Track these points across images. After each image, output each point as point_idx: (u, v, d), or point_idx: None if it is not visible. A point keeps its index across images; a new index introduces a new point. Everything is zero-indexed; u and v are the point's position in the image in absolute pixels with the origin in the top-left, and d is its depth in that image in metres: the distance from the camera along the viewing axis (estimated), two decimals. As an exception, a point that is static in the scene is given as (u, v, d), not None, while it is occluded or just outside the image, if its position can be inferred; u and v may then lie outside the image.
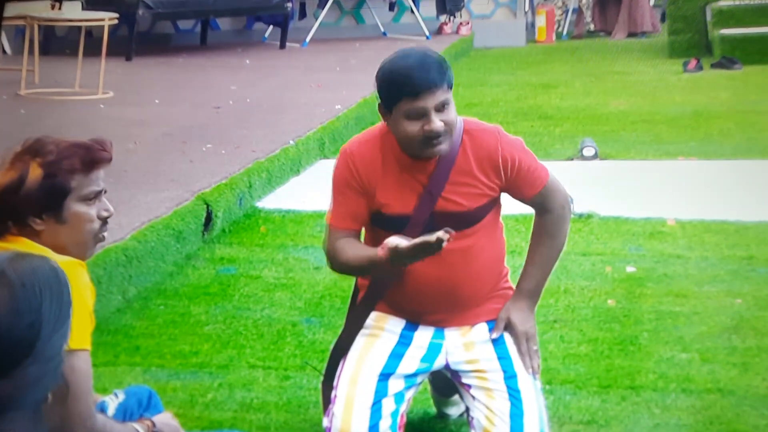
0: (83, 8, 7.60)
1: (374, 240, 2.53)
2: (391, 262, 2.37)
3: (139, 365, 3.28)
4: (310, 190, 5.31)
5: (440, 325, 2.55)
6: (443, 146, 2.42)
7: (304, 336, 3.46)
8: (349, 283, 3.96)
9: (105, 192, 2.04)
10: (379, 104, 2.47)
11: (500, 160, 2.48)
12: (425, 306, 2.54)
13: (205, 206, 4.57)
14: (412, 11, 10.52)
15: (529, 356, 2.52)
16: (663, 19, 10.00)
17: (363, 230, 2.60)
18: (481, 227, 2.51)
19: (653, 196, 5.02)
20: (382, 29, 10.65)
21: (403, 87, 2.38)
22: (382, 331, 2.56)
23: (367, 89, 7.44)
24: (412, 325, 2.56)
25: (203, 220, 4.53)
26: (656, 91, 7.66)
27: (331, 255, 2.54)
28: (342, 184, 2.52)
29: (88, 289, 2.00)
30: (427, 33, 10.34)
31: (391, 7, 10.96)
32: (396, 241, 2.34)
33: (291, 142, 5.74)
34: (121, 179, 4.90)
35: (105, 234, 2.09)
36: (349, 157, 2.51)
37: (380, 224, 2.52)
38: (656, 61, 8.98)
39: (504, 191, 2.53)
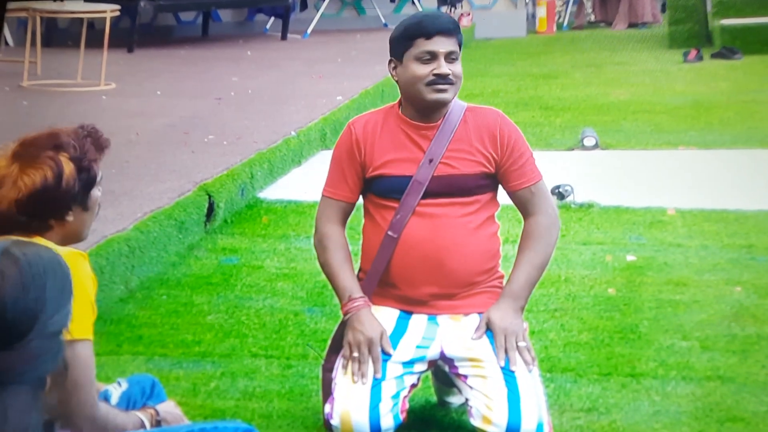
0: (85, 0, 7.59)
1: (374, 211, 2.58)
2: (347, 323, 2.52)
3: (142, 354, 3.29)
4: (312, 181, 5.32)
5: (433, 311, 2.57)
6: (449, 94, 2.51)
7: (306, 325, 3.47)
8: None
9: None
10: (390, 61, 2.58)
11: (498, 133, 2.54)
12: (413, 274, 2.54)
13: (207, 197, 4.57)
14: (413, 2, 10.51)
15: (507, 349, 2.51)
16: (663, 9, 9.99)
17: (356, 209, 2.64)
18: (475, 203, 2.55)
19: (653, 186, 5.02)
20: (384, 20, 10.64)
21: (418, 29, 2.51)
22: (379, 319, 2.57)
23: (369, 80, 7.46)
24: (406, 313, 2.58)
25: (205, 210, 4.54)
26: (657, 82, 7.66)
27: (318, 231, 2.61)
28: (342, 153, 2.60)
29: (89, 280, 2.02)
30: (428, 24, 10.33)
31: (392, -1, 10.97)
32: (370, 330, 2.49)
33: (293, 133, 5.74)
34: (124, 170, 4.90)
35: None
36: (352, 126, 2.62)
37: (380, 189, 2.57)
38: (657, 52, 8.97)
39: (497, 172, 2.56)
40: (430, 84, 2.49)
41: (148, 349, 3.33)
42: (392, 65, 2.58)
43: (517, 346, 2.51)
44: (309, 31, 10.10)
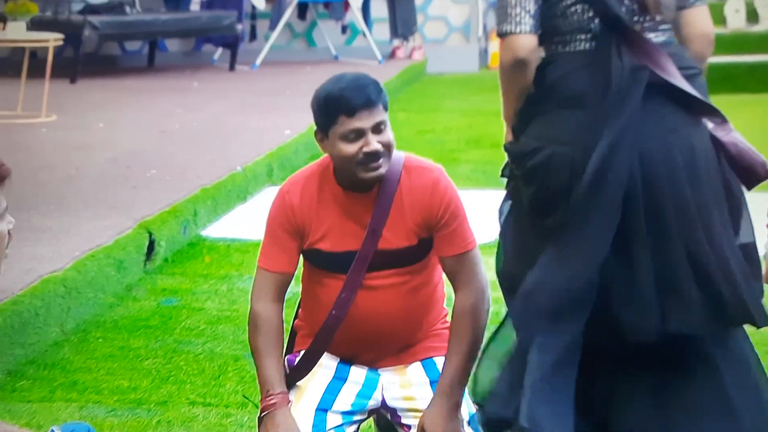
0: (28, 29, 7.53)
1: (312, 280, 2.54)
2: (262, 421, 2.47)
3: (76, 401, 3.27)
4: (258, 218, 5.30)
5: (374, 365, 2.56)
6: (382, 169, 2.43)
7: (247, 371, 3.45)
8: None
9: (7, 207, 2.04)
10: (315, 131, 2.47)
11: (432, 201, 2.47)
12: (359, 343, 2.54)
13: (147, 235, 4.55)
14: (365, 35, 10.57)
15: None
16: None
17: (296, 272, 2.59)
18: (417, 268, 2.52)
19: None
20: (334, 52, 10.69)
21: (338, 106, 2.39)
22: (319, 367, 2.56)
23: (318, 114, 7.46)
24: (346, 363, 2.57)
25: (145, 249, 4.51)
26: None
27: (252, 308, 2.52)
28: (275, 225, 2.51)
29: None
30: (380, 57, 10.39)
31: (344, 30, 11.01)
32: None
33: (238, 168, 5.73)
34: (62, 206, 4.87)
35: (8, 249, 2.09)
36: (286, 196, 2.51)
37: (320, 263, 2.52)
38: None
39: (431, 235, 2.50)
40: (360, 163, 2.41)
41: (83, 396, 3.30)
42: (318, 136, 2.47)
43: None
44: (258, 62, 10.11)
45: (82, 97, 8.22)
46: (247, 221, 5.27)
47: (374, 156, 2.39)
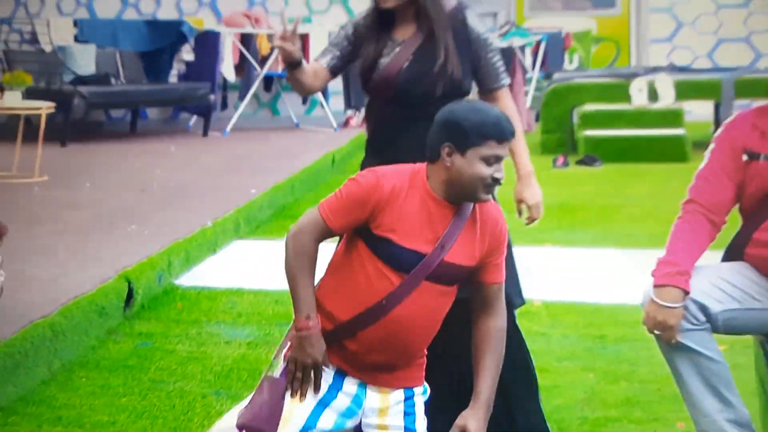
0: (23, 98, 7.51)
1: (361, 266, 2.35)
2: (297, 339, 2.32)
3: (61, 435, 3.24)
4: (225, 268, 5.32)
5: (366, 379, 2.42)
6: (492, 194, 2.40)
7: (213, 407, 3.45)
8: (256, 355, 3.99)
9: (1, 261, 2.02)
10: (446, 146, 2.34)
11: (496, 230, 2.40)
12: (377, 343, 2.38)
13: (127, 283, 4.54)
14: (323, 105, 10.68)
15: None
16: (537, 119, 10.36)
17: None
18: (454, 290, 2.42)
19: (523, 279, 5.13)
20: (296, 120, 10.77)
21: (494, 131, 2.33)
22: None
23: (281, 174, 7.52)
24: (340, 375, 2.43)
25: (125, 296, 4.50)
26: (530, 184, 7.87)
27: (300, 231, 2.33)
28: (358, 194, 2.33)
29: None
30: (335, 125, 10.50)
31: (304, 101, 11.12)
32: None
33: (208, 223, 5.75)
34: (51, 258, 4.85)
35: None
36: (382, 179, 2.35)
37: (383, 253, 2.35)
38: (531, 157, 9.26)
39: (482, 264, 2.42)
40: (487, 185, 2.33)
41: (67, 429, 3.27)
42: (447, 151, 2.34)
43: None
44: (228, 128, 10.16)
45: (71, 159, 8.18)
46: (216, 271, 5.28)
47: (498, 182, 2.34)
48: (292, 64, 2.89)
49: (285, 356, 2.40)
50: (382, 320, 2.35)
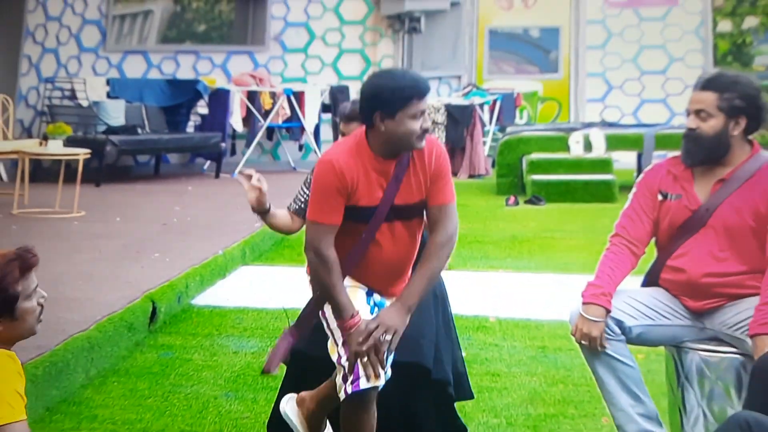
0: (64, 145, 7.57)
1: (343, 228, 2.46)
2: (350, 336, 2.39)
3: (97, 430, 3.28)
4: (234, 290, 5.37)
5: (381, 292, 2.56)
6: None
7: (223, 407, 3.51)
8: (260, 364, 4.03)
9: (37, 285, 2.01)
10: (376, 114, 2.37)
11: (434, 158, 2.46)
12: (378, 275, 2.51)
13: (151, 303, 4.58)
14: (316, 152, 10.78)
15: (372, 336, 2.38)
16: (494, 165, 10.48)
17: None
18: (417, 221, 2.52)
19: (480, 299, 5.22)
20: (293, 164, 10.86)
21: (414, 91, 2.36)
22: (357, 288, 2.55)
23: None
24: (369, 293, 2.56)
25: (149, 314, 4.54)
26: (486, 219, 7.96)
27: (315, 248, 2.42)
28: (329, 189, 2.41)
29: (15, 374, 1.94)
30: (325, 169, 10.57)
31: (300, 148, 11.21)
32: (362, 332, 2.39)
33: (220, 251, 5.79)
34: (88, 281, 4.89)
35: (42, 316, 2.02)
36: (335, 164, 2.40)
37: (351, 216, 2.45)
38: (488, 197, 9.36)
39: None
40: (419, 137, 2.40)
41: (102, 426, 3.32)
42: (379, 118, 2.36)
43: (381, 338, 2.40)
44: (237, 171, 10.23)
45: (105, 197, 8.21)
46: (226, 292, 5.31)
47: (427, 131, 2.41)
48: (261, 212, 2.80)
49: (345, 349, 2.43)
50: (368, 255, 2.45)
